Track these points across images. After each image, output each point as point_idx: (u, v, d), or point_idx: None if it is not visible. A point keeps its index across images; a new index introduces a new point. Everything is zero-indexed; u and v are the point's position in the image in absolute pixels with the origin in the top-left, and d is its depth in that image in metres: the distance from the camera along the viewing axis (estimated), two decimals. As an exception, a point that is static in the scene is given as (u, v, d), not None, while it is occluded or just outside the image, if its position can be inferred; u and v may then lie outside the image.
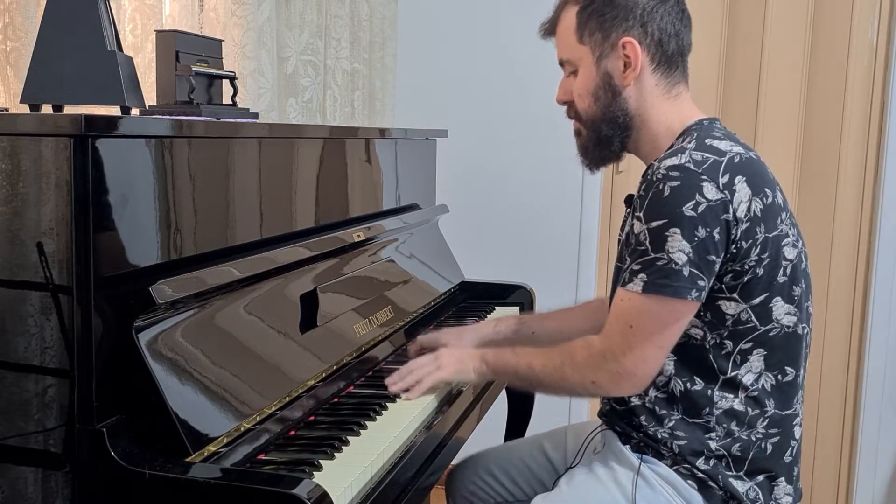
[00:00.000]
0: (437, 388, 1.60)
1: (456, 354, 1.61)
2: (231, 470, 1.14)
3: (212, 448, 1.18)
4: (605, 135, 1.48)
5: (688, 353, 1.41)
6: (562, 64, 1.54)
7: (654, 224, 1.33)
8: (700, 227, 1.30)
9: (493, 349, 1.62)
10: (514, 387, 1.75)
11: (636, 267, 1.35)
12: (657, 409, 1.43)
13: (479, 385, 1.76)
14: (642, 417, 1.45)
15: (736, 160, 1.35)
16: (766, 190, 1.36)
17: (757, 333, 1.38)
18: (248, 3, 2.06)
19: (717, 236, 1.31)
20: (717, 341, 1.39)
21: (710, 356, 1.40)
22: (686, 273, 1.32)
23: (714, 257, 1.32)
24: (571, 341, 1.48)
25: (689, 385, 1.41)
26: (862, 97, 2.75)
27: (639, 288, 1.35)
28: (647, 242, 1.34)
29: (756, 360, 1.40)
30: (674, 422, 1.42)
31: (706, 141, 1.38)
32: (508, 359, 1.55)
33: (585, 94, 1.48)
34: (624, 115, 1.47)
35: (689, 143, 1.39)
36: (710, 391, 1.40)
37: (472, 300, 2.32)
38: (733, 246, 1.33)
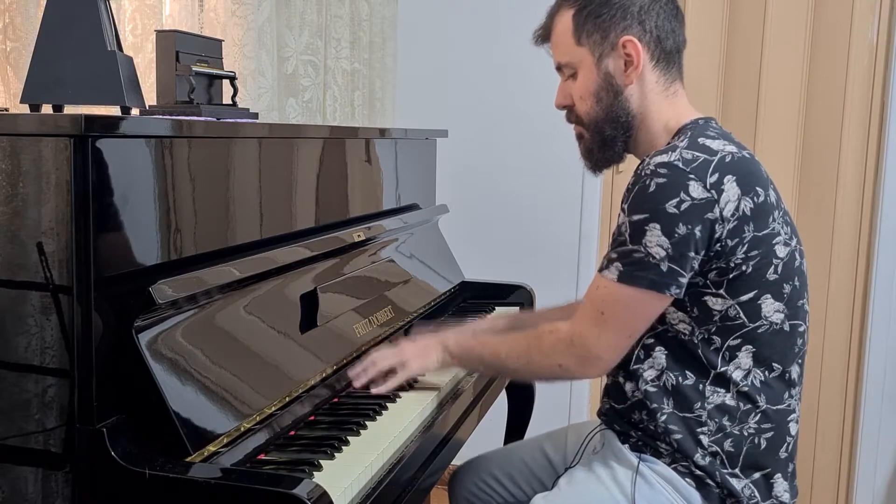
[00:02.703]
0: (434, 386, 1.59)
1: (419, 346, 1.61)
2: (231, 470, 1.14)
3: (212, 448, 1.18)
4: (608, 135, 1.49)
5: (679, 348, 1.42)
6: (559, 69, 1.54)
7: (636, 217, 1.34)
8: (681, 224, 1.31)
9: (455, 337, 1.63)
10: (480, 373, 1.75)
11: (613, 255, 1.38)
12: (649, 402, 1.43)
13: (477, 385, 1.76)
14: (641, 413, 1.45)
15: (727, 159, 1.35)
16: (758, 189, 1.37)
17: (745, 330, 1.39)
18: (248, 3, 2.06)
19: (698, 234, 1.32)
20: (706, 336, 1.40)
21: (700, 351, 1.40)
22: (664, 268, 1.33)
23: (693, 254, 1.33)
24: (538, 328, 1.50)
25: (680, 379, 1.41)
26: (862, 97, 2.75)
27: (614, 276, 1.37)
28: (627, 234, 1.35)
29: (745, 357, 1.40)
30: (666, 415, 1.42)
31: (699, 140, 1.39)
32: (472, 346, 1.57)
33: (587, 95, 1.49)
34: (626, 115, 1.47)
35: (682, 141, 1.39)
36: (701, 385, 1.41)
37: (472, 300, 2.32)
38: (717, 244, 1.34)
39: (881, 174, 2.72)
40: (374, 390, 1.55)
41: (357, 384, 1.57)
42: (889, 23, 2.69)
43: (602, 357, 1.41)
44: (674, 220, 1.31)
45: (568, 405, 2.96)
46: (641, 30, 1.45)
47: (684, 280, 1.35)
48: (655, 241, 1.32)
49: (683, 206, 1.31)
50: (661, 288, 1.34)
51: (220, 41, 1.74)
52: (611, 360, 1.42)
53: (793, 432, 1.46)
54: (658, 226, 1.32)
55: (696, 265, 1.35)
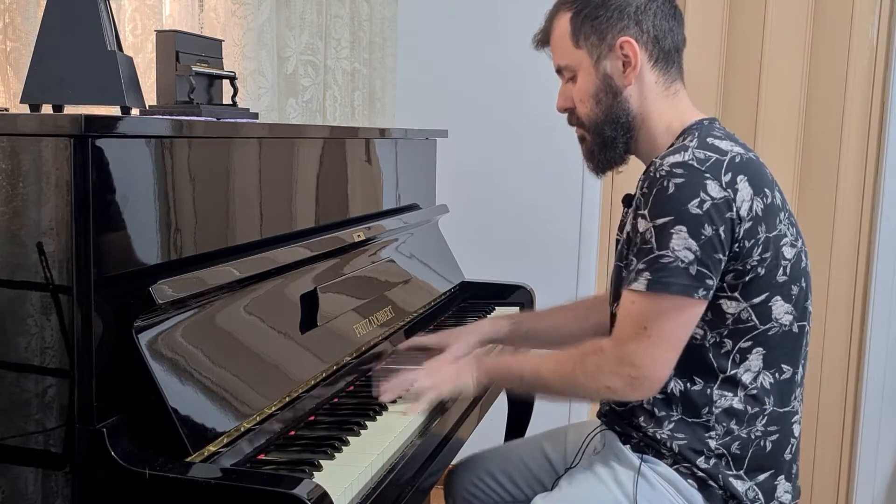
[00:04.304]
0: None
1: (454, 368, 1.58)
2: (231, 470, 1.14)
3: (212, 448, 1.18)
4: (608, 136, 1.48)
5: (687, 353, 1.40)
6: (559, 71, 1.54)
7: (660, 221, 1.32)
8: (706, 224, 1.30)
9: (493, 357, 1.61)
10: (518, 392, 1.72)
11: (641, 266, 1.35)
12: (656, 410, 1.42)
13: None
14: (641, 418, 1.45)
15: (737, 160, 1.35)
16: (766, 190, 1.36)
17: (756, 332, 1.39)
18: (248, 3, 2.06)
19: (722, 234, 1.31)
20: (717, 340, 1.39)
21: (710, 355, 1.40)
22: (693, 271, 1.31)
23: (720, 255, 1.32)
24: (580, 346, 1.45)
25: (688, 385, 1.41)
26: (862, 97, 2.75)
27: (643, 287, 1.34)
28: (653, 240, 1.33)
29: (755, 359, 1.40)
30: (673, 423, 1.41)
31: (707, 140, 1.38)
32: (511, 366, 1.54)
33: (586, 98, 1.48)
34: (626, 115, 1.47)
35: (691, 141, 1.39)
36: (709, 390, 1.40)
37: (472, 300, 2.32)
38: (736, 245, 1.33)
39: (881, 174, 2.72)
40: (406, 410, 1.49)
41: (385, 399, 1.52)
42: (889, 23, 2.69)
43: (651, 376, 1.37)
44: (699, 221, 1.30)
45: (568, 405, 2.96)
46: (638, 30, 1.45)
47: (712, 283, 1.33)
48: (683, 244, 1.31)
49: (705, 206, 1.30)
50: (690, 292, 1.32)
51: (220, 41, 1.74)
52: (660, 377, 1.38)
53: (796, 433, 1.46)
54: (684, 228, 1.30)
55: (722, 267, 1.33)
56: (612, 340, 1.40)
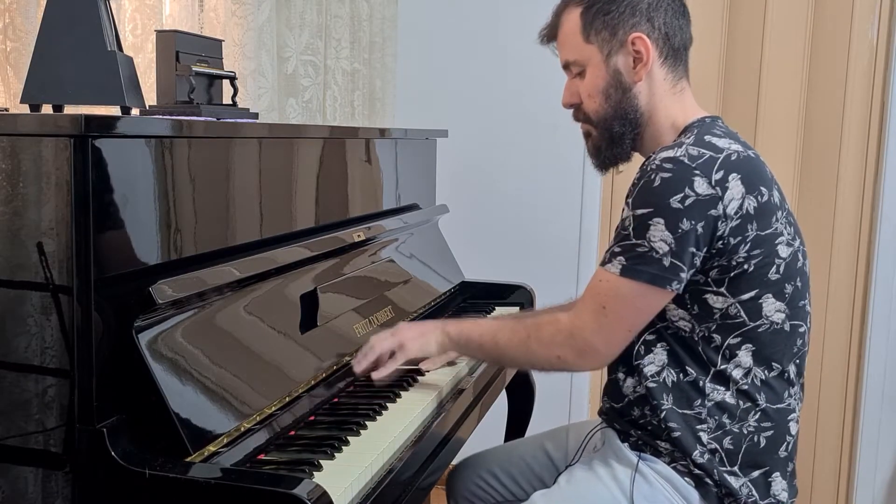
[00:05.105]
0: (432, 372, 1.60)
1: (416, 328, 1.61)
2: (231, 470, 1.14)
3: (212, 448, 1.18)
4: (616, 132, 1.49)
5: (679, 345, 1.42)
6: (566, 67, 1.54)
7: (640, 211, 1.34)
8: (685, 219, 1.32)
9: (455, 321, 1.64)
10: (477, 359, 1.73)
11: (617, 249, 1.38)
12: (650, 398, 1.43)
13: (477, 385, 1.76)
14: (638, 411, 1.45)
15: (732, 157, 1.36)
16: (762, 188, 1.37)
17: (745, 329, 1.39)
18: (248, 4, 2.06)
19: (700, 230, 1.32)
20: (706, 334, 1.40)
21: (700, 348, 1.41)
22: (667, 263, 1.33)
23: (695, 250, 1.33)
24: (538, 316, 1.50)
25: (681, 376, 1.42)
26: (862, 97, 2.74)
27: (617, 270, 1.37)
28: (631, 228, 1.36)
29: (745, 355, 1.40)
30: (665, 412, 1.42)
31: (705, 138, 1.39)
32: (471, 332, 1.56)
33: (595, 93, 1.49)
34: (634, 112, 1.47)
35: (688, 138, 1.40)
36: (701, 382, 1.41)
37: (472, 300, 2.32)
38: (720, 242, 1.34)
39: (881, 174, 2.72)
40: (374, 376, 1.54)
41: (357, 369, 1.56)
42: (889, 23, 2.69)
43: (601, 350, 1.42)
44: (678, 215, 1.32)
45: (568, 404, 2.96)
46: (650, 27, 1.45)
47: (685, 275, 1.35)
48: (659, 236, 1.33)
49: (688, 202, 1.31)
50: (662, 283, 1.34)
51: (220, 41, 1.74)
52: (609, 353, 1.43)
53: (793, 431, 1.46)
54: (662, 220, 1.32)
55: (697, 262, 1.35)
56: (570, 313, 1.44)
